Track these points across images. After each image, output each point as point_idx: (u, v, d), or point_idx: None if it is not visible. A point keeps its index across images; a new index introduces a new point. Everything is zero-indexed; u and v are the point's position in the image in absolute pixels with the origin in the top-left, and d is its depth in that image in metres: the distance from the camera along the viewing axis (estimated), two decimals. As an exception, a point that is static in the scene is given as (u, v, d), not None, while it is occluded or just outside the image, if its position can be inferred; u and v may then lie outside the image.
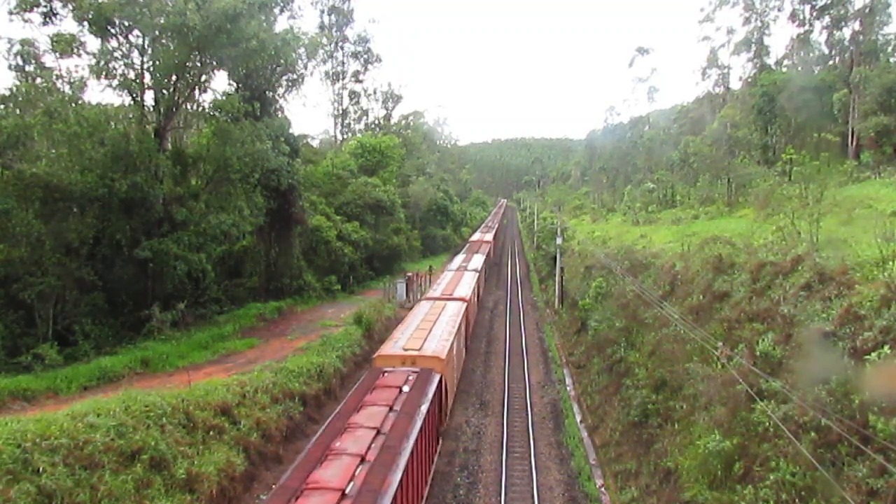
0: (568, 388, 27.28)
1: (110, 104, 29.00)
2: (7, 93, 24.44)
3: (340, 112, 78.73)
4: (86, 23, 25.78)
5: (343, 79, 77.37)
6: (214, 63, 30.07)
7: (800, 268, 16.89)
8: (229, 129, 29.77)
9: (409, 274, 44.57)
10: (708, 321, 19.47)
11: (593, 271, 38.67)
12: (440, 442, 18.39)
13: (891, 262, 14.01)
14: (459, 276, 37.13)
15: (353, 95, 79.68)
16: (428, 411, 14.47)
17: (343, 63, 76.91)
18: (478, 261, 46.08)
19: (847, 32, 50.51)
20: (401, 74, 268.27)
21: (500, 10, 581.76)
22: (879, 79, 41.96)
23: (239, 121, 29.93)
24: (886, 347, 11.57)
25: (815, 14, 54.09)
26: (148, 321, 26.33)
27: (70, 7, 25.34)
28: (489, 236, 71.42)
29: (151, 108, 29.13)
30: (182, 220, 28.14)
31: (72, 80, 26.03)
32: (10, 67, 25.40)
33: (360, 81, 78.93)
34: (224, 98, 31.11)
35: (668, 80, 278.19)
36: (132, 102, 28.40)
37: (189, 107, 32.58)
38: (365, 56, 77.12)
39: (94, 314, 25.63)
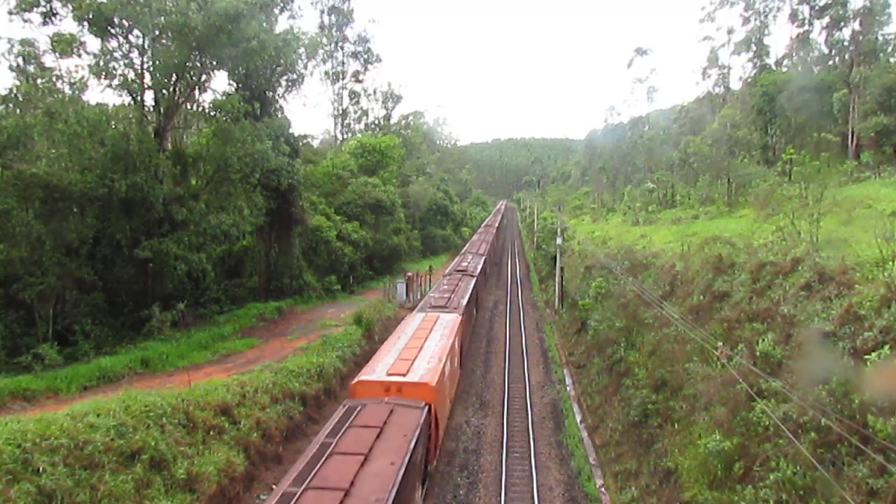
0: (568, 388, 27.28)
1: (111, 104, 29.10)
2: (7, 93, 24.46)
3: (340, 112, 78.83)
4: (86, 23, 25.76)
5: (343, 79, 77.50)
6: (214, 63, 30.05)
7: (800, 268, 16.89)
8: (229, 129, 29.78)
9: (409, 274, 44.52)
10: (708, 321, 19.47)
11: (593, 271, 38.68)
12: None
13: (891, 262, 14.01)
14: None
15: (353, 95, 79.82)
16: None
17: (343, 63, 77.05)
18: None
19: (847, 32, 50.58)
20: (401, 74, 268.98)
21: (501, 10, 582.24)
22: (879, 79, 41.99)
23: (239, 121, 29.92)
24: (886, 347, 11.57)
25: (814, 14, 54.12)
26: (148, 321, 26.33)
27: (70, 7, 25.32)
28: (453, 317, 23.79)
29: (151, 108, 29.12)
30: (182, 220, 28.13)
31: (72, 81, 26.03)
32: (10, 68, 25.44)
33: (360, 81, 79.12)
34: (224, 98, 31.11)
35: (668, 80, 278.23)
36: (132, 102, 28.39)
37: (189, 107, 32.53)
38: (365, 56, 77.24)
39: (94, 314, 25.63)
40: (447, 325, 21.02)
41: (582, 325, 33.27)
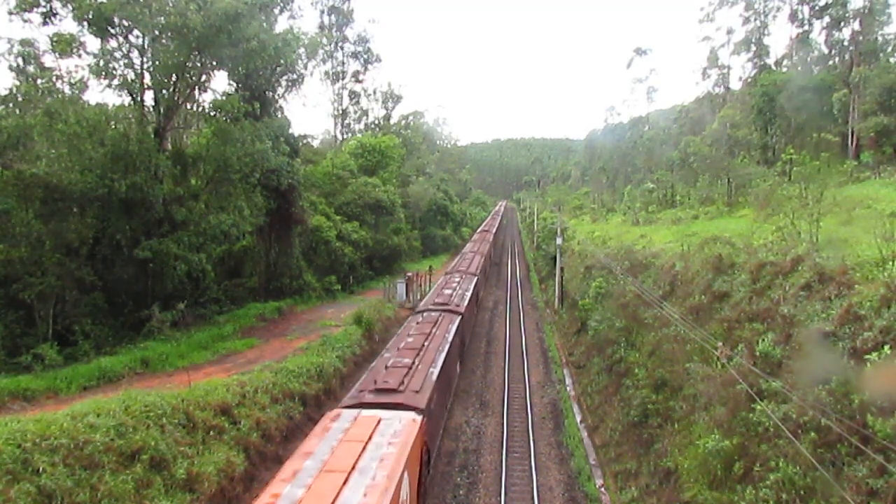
0: (568, 388, 27.28)
1: (111, 104, 29.12)
2: (7, 93, 24.48)
3: (340, 112, 78.86)
4: (86, 23, 25.79)
5: (343, 79, 77.54)
6: (214, 63, 30.09)
7: (800, 268, 16.88)
8: (229, 129, 29.80)
9: (409, 274, 44.55)
10: (708, 321, 19.46)
11: (593, 271, 38.65)
12: None
13: (891, 262, 14.00)
14: None
15: (353, 95, 79.87)
16: None
17: (343, 63, 77.09)
18: None
19: (847, 32, 50.56)
20: (401, 74, 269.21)
21: (501, 10, 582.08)
22: (879, 79, 41.98)
23: (239, 121, 29.95)
24: (886, 347, 11.56)
25: (814, 14, 54.11)
26: (148, 321, 26.34)
27: (70, 7, 25.34)
28: (406, 424, 12.65)
29: (151, 108, 29.14)
30: (182, 220, 28.16)
31: (72, 81, 26.10)
32: (10, 68, 25.50)
33: (360, 81, 79.17)
34: (224, 98, 31.14)
35: (668, 80, 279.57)
36: (132, 102, 28.42)
37: (189, 107, 32.57)
38: (365, 56, 77.29)
39: (94, 314, 25.64)
40: (388, 450, 11.14)
41: (582, 325, 33.25)
